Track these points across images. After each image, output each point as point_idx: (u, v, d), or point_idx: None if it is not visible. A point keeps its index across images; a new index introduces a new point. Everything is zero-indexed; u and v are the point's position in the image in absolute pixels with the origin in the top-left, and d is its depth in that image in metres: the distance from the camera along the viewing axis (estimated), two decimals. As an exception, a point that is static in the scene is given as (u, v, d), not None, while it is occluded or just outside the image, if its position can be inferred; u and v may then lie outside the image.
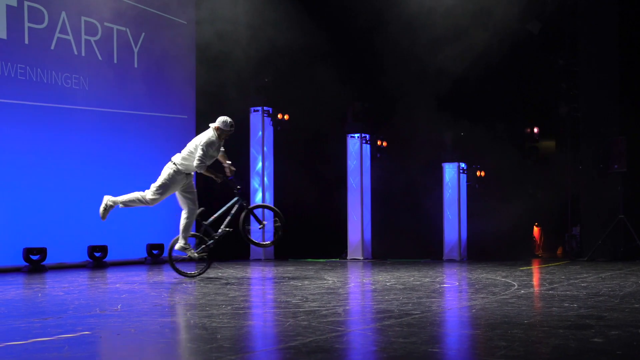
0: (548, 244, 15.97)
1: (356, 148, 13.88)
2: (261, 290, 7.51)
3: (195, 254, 8.37)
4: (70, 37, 11.05)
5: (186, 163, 8.24)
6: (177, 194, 8.31)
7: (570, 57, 14.40)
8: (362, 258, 13.52)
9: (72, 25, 11.06)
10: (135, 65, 12.03)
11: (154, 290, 7.20)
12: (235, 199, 8.57)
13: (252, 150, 13.49)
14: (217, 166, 8.57)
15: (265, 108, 13.43)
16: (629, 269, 9.80)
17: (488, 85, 15.06)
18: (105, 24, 11.57)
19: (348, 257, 13.64)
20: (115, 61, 11.70)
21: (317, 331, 4.36)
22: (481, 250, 14.22)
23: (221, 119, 8.39)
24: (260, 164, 13.41)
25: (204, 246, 8.52)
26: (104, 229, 11.17)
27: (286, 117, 13.54)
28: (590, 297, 6.12)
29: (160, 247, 11.91)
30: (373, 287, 7.46)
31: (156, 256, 11.80)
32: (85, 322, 4.83)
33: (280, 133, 13.62)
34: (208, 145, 8.18)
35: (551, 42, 14.99)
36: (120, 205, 8.19)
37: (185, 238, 8.31)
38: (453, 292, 7.12)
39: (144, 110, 12.13)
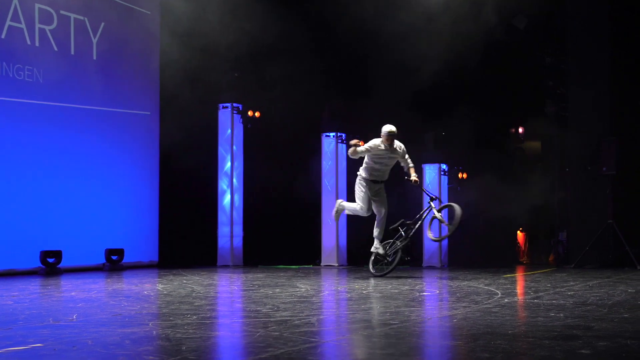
0: (533, 250, 16.10)
1: (331, 148, 13.88)
2: (229, 299, 7.47)
3: (381, 250, 9.74)
4: (23, 26, 10.88)
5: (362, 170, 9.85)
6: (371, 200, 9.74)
7: (557, 53, 14.54)
8: (337, 264, 13.51)
9: (25, 12, 10.89)
10: (94, 57, 11.90)
11: (113, 298, 7.13)
12: (430, 208, 9.88)
13: (221, 150, 13.43)
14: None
15: (234, 105, 13.37)
16: (618, 277, 9.90)
17: (471, 83, 15.15)
18: (62, 12, 11.43)
19: (322, 264, 13.63)
20: (72, 52, 11.57)
21: (289, 342, 4.34)
22: (463, 256, 14.28)
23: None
24: (229, 164, 13.36)
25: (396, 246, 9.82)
26: (57, 233, 11.04)
27: (257, 114, 13.50)
28: (578, 306, 6.16)
29: (119, 252, 11.78)
30: (348, 295, 7.45)
31: (115, 262, 11.68)
32: (37, 333, 4.76)
33: (251, 131, 13.57)
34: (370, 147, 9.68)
35: (538, 37, 15.12)
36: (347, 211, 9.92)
37: (377, 239, 9.75)
38: (433, 300, 7.13)
39: (104, 106, 12.01)
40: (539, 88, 15.26)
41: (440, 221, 9.68)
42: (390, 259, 9.81)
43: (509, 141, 17.27)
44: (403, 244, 9.82)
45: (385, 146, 9.70)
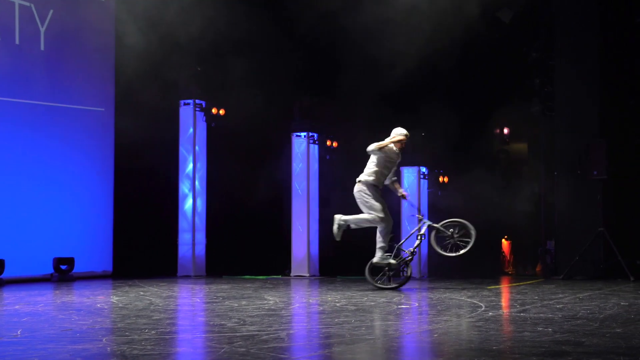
0: (519, 260, 16.20)
1: (302, 149, 13.86)
2: (191, 312, 7.42)
3: (393, 261, 9.77)
4: (-38, 12, 10.74)
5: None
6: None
7: (544, 49, 14.64)
8: (308, 275, 13.50)
9: (-37, -3, 10.75)
10: (42, 48, 11.76)
11: (62, 312, 7.04)
12: (422, 222, 9.99)
13: (182, 150, 13.36)
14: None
15: (197, 101, 13.32)
16: (609, 289, 9.98)
17: (452, 80, 15.22)
18: (6, -3, 11.30)
19: (292, 274, 13.60)
20: (17, 42, 11.42)
21: (256, 359, 4.31)
22: (443, 266, 14.32)
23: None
24: (190, 166, 13.29)
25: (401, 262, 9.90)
26: (0, 240, 10.89)
27: (222, 112, 13.45)
28: (567, 320, 6.19)
29: (69, 261, 11.66)
30: (321, 308, 7.44)
31: (65, 272, 11.55)
32: (-21, 349, 4.67)
33: (215, 130, 13.52)
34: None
35: (524, 31, 15.23)
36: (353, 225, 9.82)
37: (381, 250, 9.74)
38: (412, 314, 7.13)
39: (52, 101, 11.88)
40: (525, 86, 15.37)
41: (441, 233, 9.83)
42: (402, 271, 9.92)
43: (493, 142, 17.38)
44: (409, 258, 9.90)
45: (397, 150, 9.88)
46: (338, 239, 9.88)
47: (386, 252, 9.78)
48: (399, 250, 9.93)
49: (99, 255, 12.50)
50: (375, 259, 9.76)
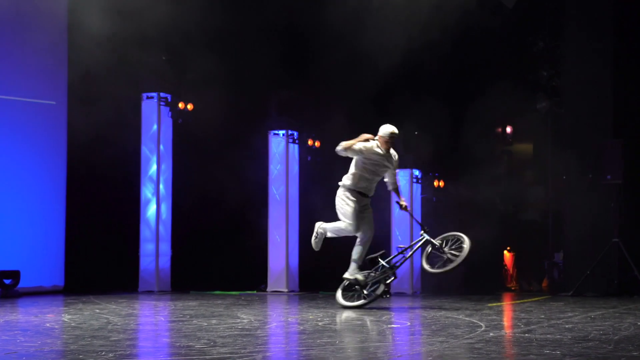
0: (523, 274, 16.24)
1: (281, 149, 13.85)
2: (153, 332, 7.38)
3: (361, 276, 9.55)
4: None
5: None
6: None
7: (552, 38, 14.72)
8: (286, 290, 13.48)
9: None
10: (-13, 35, 11.73)
11: (6, 332, 6.98)
12: (423, 238, 9.86)
13: (144, 149, 13.31)
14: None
15: (161, 95, 13.27)
16: (624, 307, 10.02)
17: (448, 72, 15.25)
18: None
19: (268, 289, 13.58)
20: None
21: (227, 385, 4.28)
22: (439, 281, 14.34)
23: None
24: (154, 167, 13.24)
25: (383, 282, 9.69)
26: None
27: (190, 106, 13.41)
28: (577, 342, 6.20)
29: (14, 274, 11.55)
30: (301, 327, 7.42)
31: (9, 287, 11.46)
32: None
33: (182, 127, 13.48)
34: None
35: (529, 18, 15.30)
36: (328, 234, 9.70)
37: (354, 263, 9.58)
38: (404, 334, 7.13)
39: (-2, 93, 11.85)
40: (530, 79, 15.44)
41: (440, 250, 9.66)
42: (367, 292, 9.58)
43: (495, 143, 17.43)
44: (387, 275, 9.67)
45: (382, 151, 9.65)
46: (317, 248, 9.73)
47: (359, 266, 9.62)
48: (381, 266, 9.69)
49: (49, 268, 12.40)
50: (345, 274, 9.60)
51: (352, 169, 9.64)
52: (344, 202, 9.50)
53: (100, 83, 12.34)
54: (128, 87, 13.09)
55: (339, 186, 9.66)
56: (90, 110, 12.37)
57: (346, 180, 9.60)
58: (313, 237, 9.70)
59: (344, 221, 9.48)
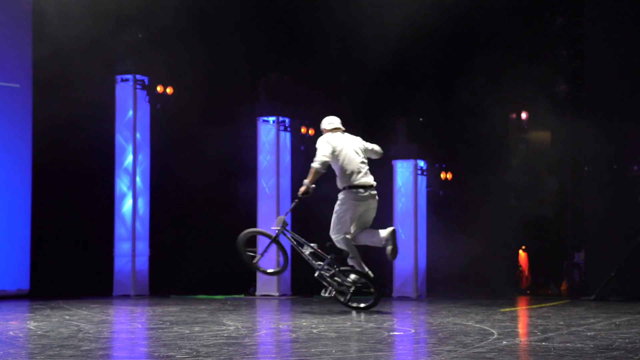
0: (540, 275, 16.25)
1: (271, 137, 13.84)
2: (129, 340, 7.38)
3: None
4: None
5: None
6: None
7: (573, 13, 14.68)
8: (277, 294, 13.50)
9: None
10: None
11: (-33, 341, 6.97)
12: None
13: (119, 138, 13.31)
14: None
15: (138, 77, 13.26)
16: (651, 312, 10.05)
17: (457, 53, 15.22)
18: None
19: (258, 293, 13.62)
20: None
21: (211, 400, 4.28)
22: (446, 284, 14.36)
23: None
24: (130, 158, 13.23)
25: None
26: None
27: (169, 90, 13.40)
28: (600, 352, 6.20)
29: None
30: (293, 335, 7.42)
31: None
32: None
33: (161, 113, 13.47)
34: None
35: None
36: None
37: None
38: (407, 342, 7.13)
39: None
40: (548, 60, 15.41)
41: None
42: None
43: (509, 131, 17.42)
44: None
45: (338, 134, 10.21)
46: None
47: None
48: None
49: (13, 271, 12.41)
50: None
51: (337, 173, 9.99)
52: (342, 207, 9.90)
53: (70, 64, 12.32)
54: (101, 69, 13.08)
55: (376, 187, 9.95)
56: (58, 95, 12.36)
57: (338, 185, 10.02)
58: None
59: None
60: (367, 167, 9.93)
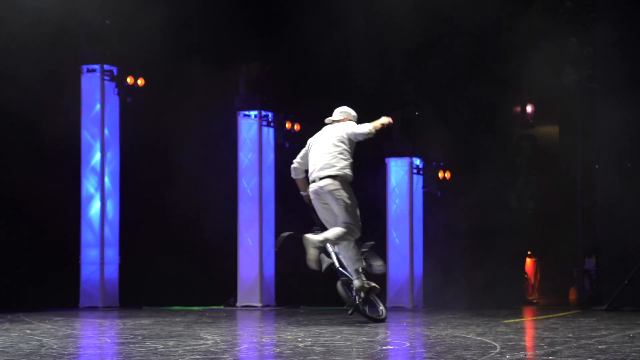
0: (547, 283, 16.31)
1: (252, 133, 13.84)
2: (97, 357, 7.37)
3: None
4: None
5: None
6: None
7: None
8: (260, 305, 13.50)
9: None
10: None
11: None
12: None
13: (85, 134, 13.28)
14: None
15: (106, 67, 13.23)
16: (669, 323, 10.08)
17: (455, 40, 15.26)
18: None
19: (238, 304, 13.63)
20: None
21: (186, 419, 4.28)
22: (444, 293, 14.39)
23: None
24: (98, 156, 13.21)
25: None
26: None
27: (140, 82, 13.37)
28: (613, 365, 6.23)
29: None
30: (278, 349, 7.42)
31: None
32: None
33: (132, 107, 13.45)
34: None
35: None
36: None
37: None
38: (402, 357, 7.14)
39: None
40: (556, 47, 15.44)
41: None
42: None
43: (513, 125, 17.46)
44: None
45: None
46: (320, 268, 9.93)
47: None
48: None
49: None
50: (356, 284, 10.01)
51: (349, 156, 9.87)
52: (355, 198, 9.84)
53: (29, 53, 12.28)
54: (64, 58, 13.05)
55: (327, 177, 9.69)
56: (15, 87, 12.32)
57: (348, 170, 9.84)
58: (314, 256, 9.70)
59: (348, 223, 9.69)
60: (332, 158, 9.74)
